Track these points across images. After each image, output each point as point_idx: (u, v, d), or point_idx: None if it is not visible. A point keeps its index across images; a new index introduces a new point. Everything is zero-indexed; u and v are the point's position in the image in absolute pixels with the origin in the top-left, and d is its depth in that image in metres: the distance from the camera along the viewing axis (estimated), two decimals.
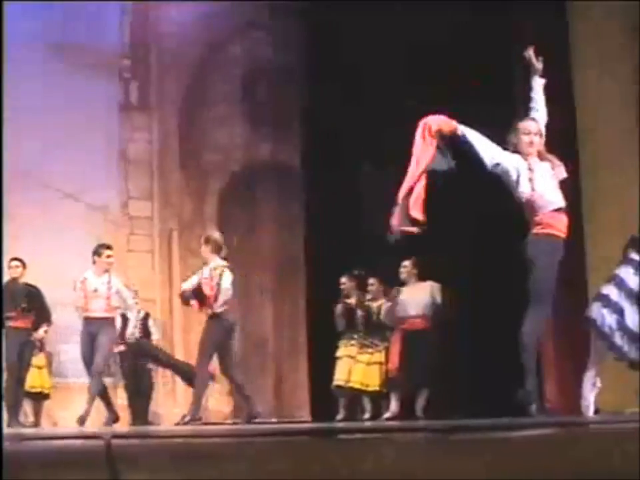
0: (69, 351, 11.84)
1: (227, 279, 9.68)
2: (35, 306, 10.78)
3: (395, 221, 6.51)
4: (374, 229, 11.53)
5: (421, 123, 6.41)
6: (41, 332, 10.86)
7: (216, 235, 10.17)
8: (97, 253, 10.30)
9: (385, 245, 10.56)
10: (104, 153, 12.57)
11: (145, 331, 11.71)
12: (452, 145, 6.39)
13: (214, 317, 9.69)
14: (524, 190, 6.46)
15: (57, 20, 12.59)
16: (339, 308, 11.19)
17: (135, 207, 12.81)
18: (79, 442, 4.87)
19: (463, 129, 6.41)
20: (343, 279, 11.19)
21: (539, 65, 6.68)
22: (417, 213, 6.43)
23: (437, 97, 10.86)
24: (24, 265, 10.94)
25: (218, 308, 9.62)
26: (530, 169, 6.46)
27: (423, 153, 6.40)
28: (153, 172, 12.96)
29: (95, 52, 12.75)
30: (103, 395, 10.27)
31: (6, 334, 10.73)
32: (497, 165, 6.47)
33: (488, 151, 6.45)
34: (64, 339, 11.82)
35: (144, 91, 13.15)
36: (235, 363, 10.00)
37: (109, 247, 10.43)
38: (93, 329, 10.04)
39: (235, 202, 13.11)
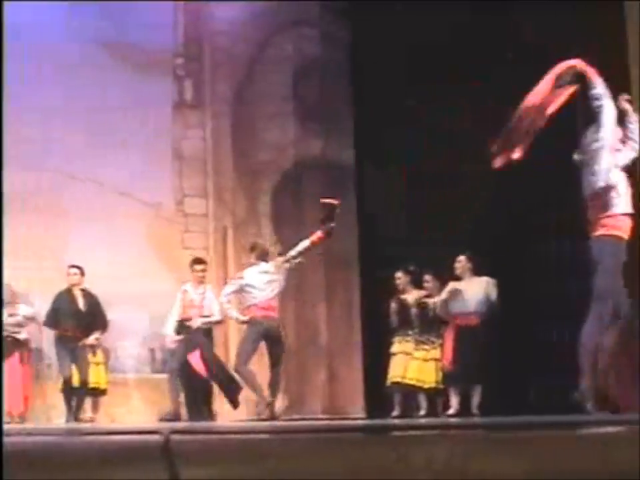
0: (126, 348, 11.98)
1: (262, 284, 9.92)
2: (91, 313, 10.92)
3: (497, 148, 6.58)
4: (428, 224, 11.61)
5: (556, 67, 6.47)
6: (91, 339, 10.96)
7: (261, 242, 10.43)
8: (191, 267, 10.94)
9: (439, 240, 10.58)
10: (158, 151, 12.67)
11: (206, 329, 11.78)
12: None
13: (249, 322, 10.11)
14: (605, 181, 6.46)
15: (111, 19, 12.69)
16: (393, 304, 11.19)
17: (190, 205, 12.89)
18: (137, 437, 4.92)
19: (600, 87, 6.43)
20: (398, 274, 11.20)
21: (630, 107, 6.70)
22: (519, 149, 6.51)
23: (487, 94, 10.95)
24: (82, 273, 11.06)
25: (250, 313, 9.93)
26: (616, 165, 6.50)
27: (549, 97, 6.44)
28: (206, 169, 13.03)
29: (148, 51, 12.85)
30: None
31: (57, 339, 10.90)
32: (601, 143, 6.45)
33: (609, 124, 6.46)
34: (121, 336, 11.93)
35: (197, 89, 13.22)
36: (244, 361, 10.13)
37: (199, 262, 11.05)
38: (191, 337, 10.52)
39: (287, 199, 13.14)
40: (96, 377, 11.41)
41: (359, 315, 12.82)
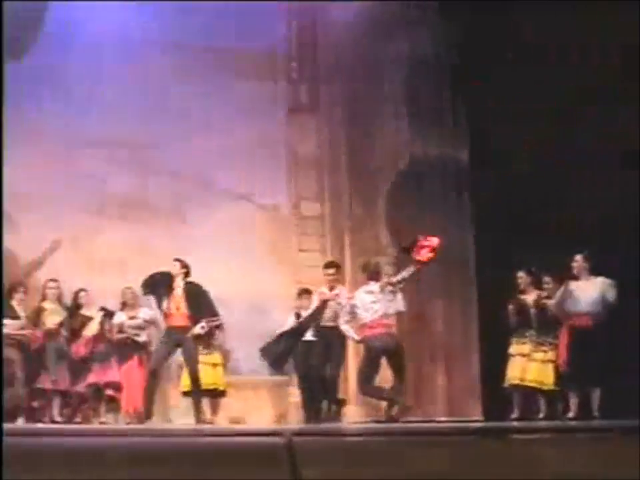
0: (244, 349, 12.11)
1: (367, 304, 9.95)
2: (196, 302, 10.97)
3: None
4: (544, 225, 11.49)
5: None
6: (197, 328, 10.96)
7: (374, 261, 10.52)
8: (323, 270, 11.07)
9: (556, 241, 10.46)
10: (274, 155, 12.78)
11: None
12: None
13: (362, 341, 10.25)
14: None
15: (227, 24, 12.86)
16: (512, 305, 11.10)
17: (306, 207, 12.98)
18: (259, 439, 5.00)
19: None
20: (520, 274, 11.09)
21: None
22: None
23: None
24: (183, 265, 11.10)
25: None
26: None
27: None
28: (322, 172, 13.11)
29: (264, 55, 12.97)
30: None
31: (165, 332, 11.03)
32: None
33: None
34: (238, 338, 12.06)
35: (312, 92, 13.30)
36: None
37: (330, 265, 11.13)
38: (323, 337, 10.64)
39: (403, 200, 13.13)
40: (214, 378, 11.55)
41: (476, 314, 12.73)
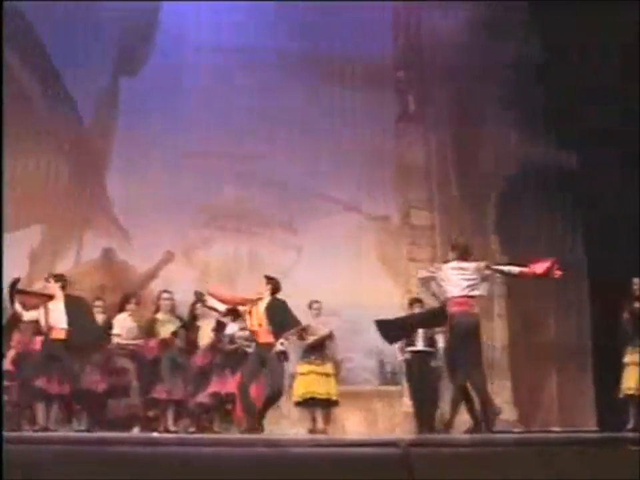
0: (356, 360, 12.12)
1: (457, 280, 9.77)
2: (278, 319, 10.91)
3: None
4: None
5: None
6: (278, 345, 10.90)
7: (462, 240, 10.29)
8: None
9: None
10: (383, 164, 12.78)
11: (431, 339, 11.81)
12: None
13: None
14: None
15: (333, 34, 12.92)
16: (626, 313, 10.89)
17: (416, 217, 12.93)
18: (374, 450, 4.98)
19: None
20: (635, 280, 10.86)
21: None
22: None
23: None
24: (270, 281, 11.03)
25: None
26: None
27: None
28: (431, 181, 13.05)
29: (370, 65, 12.99)
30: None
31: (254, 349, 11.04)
32: None
33: None
34: (349, 348, 12.07)
35: (419, 101, 13.27)
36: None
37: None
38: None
39: (512, 207, 13.01)
40: (326, 388, 11.57)
41: (590, 322, 12.54)
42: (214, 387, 11.46)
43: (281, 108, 12.79)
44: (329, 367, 11.70)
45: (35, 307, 11.40)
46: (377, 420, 12.05)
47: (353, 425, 11.91)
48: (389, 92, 13.12)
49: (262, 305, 10.64)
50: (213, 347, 11.59)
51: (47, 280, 11.37)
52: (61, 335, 11.03)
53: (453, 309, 9.65)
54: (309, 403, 11.32)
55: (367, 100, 12.81)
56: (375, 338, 12.00)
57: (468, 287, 9.64)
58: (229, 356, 11.60)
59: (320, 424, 11.41)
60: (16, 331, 11.63)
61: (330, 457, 4.62)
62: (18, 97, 13.13)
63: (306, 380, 11.36)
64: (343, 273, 12.22)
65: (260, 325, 10.59)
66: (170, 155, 12.68)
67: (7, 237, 12.49)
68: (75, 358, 10.86)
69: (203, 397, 11.46)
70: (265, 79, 12.82)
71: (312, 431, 10.99)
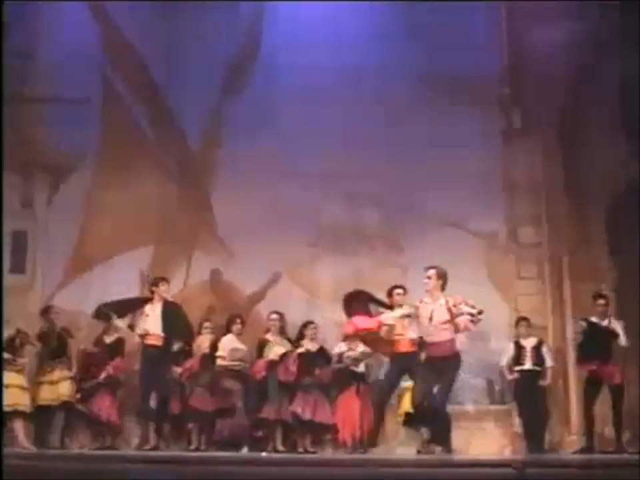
0: (464, 379, 12.02)
1: None
2: None
3: None
4: None
5: None
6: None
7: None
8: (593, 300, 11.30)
9: None
10: (489, 181, 12.64)
11: (539, 358, 11.65)
12: None
13: None
14: None
15: (438, 53, 12.88)
16: None
17: (523, 234, 12.77)
18: (487, 470, 4.92)
19: None
20: None
21: None
22: None
23: None
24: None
25: None
26: None
27: None
28: (538, 197, 12.88)
29: (474, 82, 12.90)
30: None
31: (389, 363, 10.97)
32: None
33: None
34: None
35: (524, 117, 13.13)
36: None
37: (600, 296, 11.48)
38: None
39: (621, 223, 12.76)
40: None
41: None
42: (295, 406, 11.47)
43: (386, 126, 12.77)
44: None
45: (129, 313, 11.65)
46: (487, 440, 11.89)
47: (461, 445, 11.76)
48: (494, 108, 13.00)
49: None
50: (302, 365, 11.60)
51: (150, 284, 11.57)
52: (157, 341, 11.22)
53: None
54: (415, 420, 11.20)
55: (473, 116, 12.69)
56: (484, 357, 11.93)
57: None
58: (337, 375, 11.61)
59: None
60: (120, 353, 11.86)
61: (443, 477, 4.58)
62: (126, 121, 13.36)
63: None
64: (450, 291, 12.11)
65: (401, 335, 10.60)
66: (275, 175, 12.75)
67: (116, 258, 12.70)
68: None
69: (285, 415, 11.47)
70: (369, 99, 12.82)
71: (420, 452, 10.91)
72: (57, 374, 11.65)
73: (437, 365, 9.47)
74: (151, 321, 11.38)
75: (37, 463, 8.43)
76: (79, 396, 11.72)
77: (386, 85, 12.88)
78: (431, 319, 9.57)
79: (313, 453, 11.34)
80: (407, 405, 11.05)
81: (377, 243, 12.81)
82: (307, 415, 11.40)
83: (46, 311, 11.96)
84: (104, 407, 11.74)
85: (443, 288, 9.84)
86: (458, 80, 12.82)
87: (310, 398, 11.52)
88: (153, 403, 11.49)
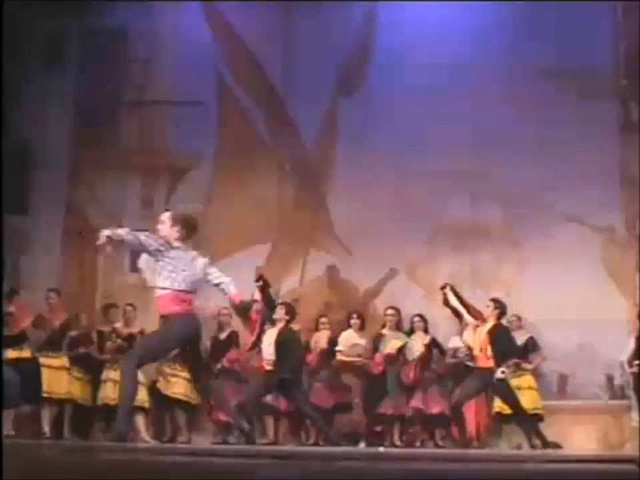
0: (581, 374, 11.93)
1: None
2: (502, 346, 10.67)
3: None
4: None
5: None
6: (498, 373, 10.66)
7: None
8: None
9: None
10: (606, 175, 12.48)
11: None
12: None
13: None
14: None
15: (551, 45, 12.76)
16: None
17: None
18: (608, 466, 4.88)
19: None
20: None
21: None
22: None
23: None
24: (497, 305, 10.81)
25: None
26: None
27: None
28: None
29: (592, 75, 12.75)
30: None
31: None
32: None
33: None
34: (575, 362, 11.91)
35: None
36: None
37: None
38: None
39: None
40: (533, 403, 11.33)
41: None
42: (416, 402, 11.48)
43: (501, 123, 12.70)
44: (529, 380, 11.51)
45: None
46: (607, 435, 11.76)
47: (581, 440, 11.66)
48: (611, 101, 12.83)
49: (485, 328, 10.57)
50: (424, 363, 11.62)
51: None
52: (269, 365, 10.95)
53: None
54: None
55: (590, 110, 12.53)
56: (603, 351, 11.79)
57: None
58: (447, 370, 11.61)
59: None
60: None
61: (562, 473, 4.56)
62: (242, 122, 13.55)
63: None
64: (568, 284, 12.00)
65: (481, 350, 10.52)
66: (390, 173, 12.80)
67: (234, 256, 12.88)
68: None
69: (406, 410, 11.50)
70: (484, 96, 12.76)
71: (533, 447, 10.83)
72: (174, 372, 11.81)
73: None
74: (266, 344, 11.13)
75: (157, 457, 8.58)
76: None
77: (507, 81, 12.79)
78: None
79: (442, 447, 11.33)
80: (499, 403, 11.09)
81: (495, 239, 12.76)
82: (429, 410, 11.43)
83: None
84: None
85: None
86: (574, 73, 12.68)
87: (429, 392, 11.55)
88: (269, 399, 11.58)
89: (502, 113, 12.71)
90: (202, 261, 8.09)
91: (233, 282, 8.13)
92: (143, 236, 7.72)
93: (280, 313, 10.95)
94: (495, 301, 10.76)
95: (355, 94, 13.33)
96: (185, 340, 7.99)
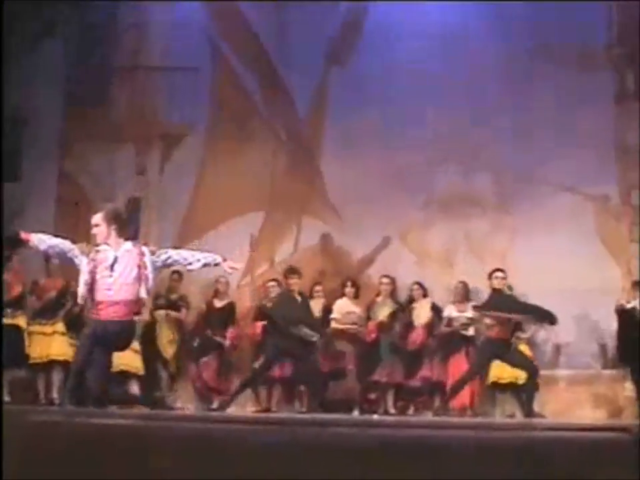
0: (575, 344, 11.97)
1: None
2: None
3: None
4: None
5: None
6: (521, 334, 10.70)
7: None
8: None
9: None
10: (602, 145, 12.46)
11: None
12: None
13: None
14: None
15: (543, 18, 12.71)
16: None
17: (636, 197, 12.55)
18: (602, 434, 4.89)
19: None
20: None
21: None
22: None
23: None
24: (505, 276, 10.87)
25: None
26: None
27: None
28: None
29: (586, 44, 12.72)
30: None
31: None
32: None
33: None
34: (570, 331, 11.94)
35: (638, 79, 12.88)
36: None
37: None
38: None
39: None
40: (512, 373, 11.36)
41: None
42: (425, 371, 11.52)
43: (498, 90, 12.68)
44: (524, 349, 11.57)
45: None
46: (600, 404, 11.81)
47: (574, 409, 11.71)
48: (605, 71, 12.78)
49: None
50: (428, 330, 11.64)
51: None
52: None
53: None
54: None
55: (583, 80, 12.50)
56: (596, 320, 11.82)
57: None
58: (443, 339, 11.63)
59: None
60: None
61: (557, 441, 4.57)
62: (236, 89, 13.50)
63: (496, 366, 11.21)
64: (561, 254, 12.02)
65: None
66: (384, 141, 12.78)
67: (228, 223, 12.88)
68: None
69: (414, 381, 11.54)
70: (478, 67, 12.73)
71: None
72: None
73: None
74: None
75: (149, 423, 8.60)
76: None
77: (497, 51, 12.76)
78: None
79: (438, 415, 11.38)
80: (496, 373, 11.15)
81: (487, 207, 12.76)
82: (436, 377, 11.47)
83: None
84: (210, 370, 11.89)
85: None
86: (567, 43, 12.65)
87: (433, 360, 11.59)
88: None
89: (496, 83, 12.68)
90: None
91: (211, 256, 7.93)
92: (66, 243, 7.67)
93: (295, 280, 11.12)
94: (502, 270, 10.80)
95: (348, 63, 13.25)
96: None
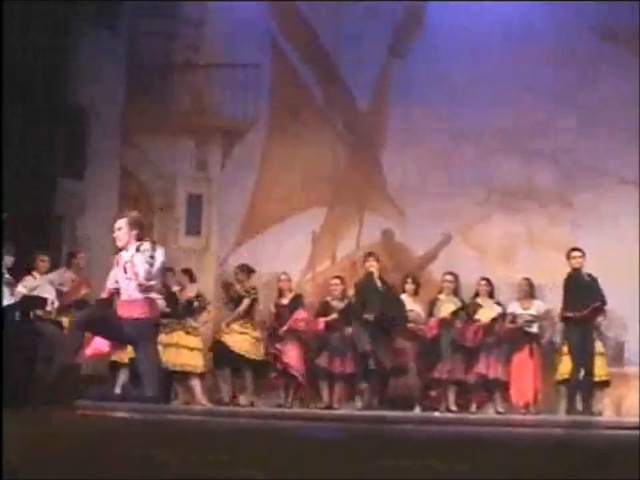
0: (633, 340, 11.81)
1: None
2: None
3: None
4: None
5: None
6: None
7: None
8: None
9: None
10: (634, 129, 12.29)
11: None
12: None
13: None
14: None
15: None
16: None
17: None
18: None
19: None
20: None
21: None
22: None
23: None
24: (583, 255, 10.93)
25: None
26: None
27: None
28: None
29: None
30: None
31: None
32: None
33: None
34: (628, 328, 11.79)
35: None
36: None
37: None
38: None
39: None
40: (600, 367, 11.25)
41: None
42: (481, 368, 11.44)
43: (556, 83, 12.57)
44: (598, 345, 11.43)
45: None
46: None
47: (630, 408, 11.56)
48: None
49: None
50: (489, 327, 11.54)
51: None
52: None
53: None
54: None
55: None
56: None
57: None
58: (510, 335, 11.52)
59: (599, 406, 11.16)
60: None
61: (608, 439, 4.54)
62: (295, 83, 13.49)
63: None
64: (622, 247, 11.88)
65: None
66: (444, 136, 12.72)
67: (289, 220, 12.89)
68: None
69: (469, 377, 11.46)
70: (538, 56, 12.61)
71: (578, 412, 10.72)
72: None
73: None
74: None
75: (208, 419, 8.67)
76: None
77: (562, 40, 12.63)
78: None
79: (501, 413, 11.31)
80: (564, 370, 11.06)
81: (549, 201, 12.65)
82: (492, 374, 11.40)
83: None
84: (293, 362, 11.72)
85: None
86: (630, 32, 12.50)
87: (490, 357, 11.51)
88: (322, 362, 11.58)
89: (558, 72, 12.58)
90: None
91: None
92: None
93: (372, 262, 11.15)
94: (579, 249, 10.82)
95: (407, 54, 13.18)
96: None
